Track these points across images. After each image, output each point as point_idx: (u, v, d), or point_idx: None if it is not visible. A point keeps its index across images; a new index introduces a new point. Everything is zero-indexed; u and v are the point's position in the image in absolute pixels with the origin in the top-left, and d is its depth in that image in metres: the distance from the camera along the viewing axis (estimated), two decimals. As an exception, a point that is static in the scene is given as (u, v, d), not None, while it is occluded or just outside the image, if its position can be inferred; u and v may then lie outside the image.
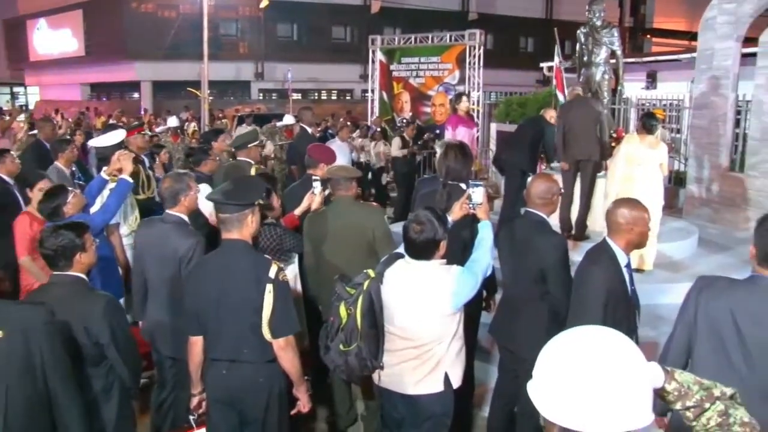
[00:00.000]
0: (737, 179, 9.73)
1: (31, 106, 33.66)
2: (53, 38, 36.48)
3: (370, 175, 13.46)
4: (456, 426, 3.73)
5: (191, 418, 3.69)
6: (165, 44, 29.76)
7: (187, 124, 18.63)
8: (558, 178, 5.61)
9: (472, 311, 4.15)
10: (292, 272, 4.87)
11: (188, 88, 26.24)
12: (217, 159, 6.45)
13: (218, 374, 3.46)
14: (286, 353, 3.39)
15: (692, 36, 11.48)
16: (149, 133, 10.78)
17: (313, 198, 4.97)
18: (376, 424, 4.39)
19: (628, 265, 3.61)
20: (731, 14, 9.66)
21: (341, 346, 3.47)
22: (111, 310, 3.36)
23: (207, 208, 4.90)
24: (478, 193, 3.90)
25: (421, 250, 3.42)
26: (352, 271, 3.73)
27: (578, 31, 8.59)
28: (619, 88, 9.73)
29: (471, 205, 3.90)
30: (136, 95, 33.79)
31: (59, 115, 22.17)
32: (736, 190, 9.66)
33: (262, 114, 21.06)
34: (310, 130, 9.80)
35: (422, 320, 3.41)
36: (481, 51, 16.76)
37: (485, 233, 3.79)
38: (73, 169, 7.00)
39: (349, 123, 14.56)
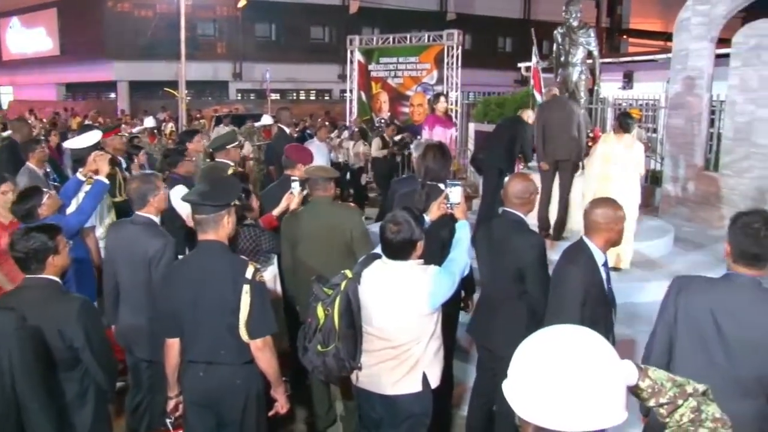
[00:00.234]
0: (712, 178, 9.84)
1: (4, 107, 33.19)
2: (27, 37, 36.00)
3: (348, 176, 13.44)
4: (435, 425, 3.73)
5: (168, 421, 3.66)
6: (142, 44, 29.54)
7: (164, 124, 18.48)
8: (535, 177, 5.63)
9: (450, 311, 4.16)
10: (271, 273, 4.86)
11: (165, 89, 26.05)
12: (193, 160, 6.39)
13: (195, 376, 3.43)
14: (264, 354, 3.38)
15: (668, 37, 11.61)
16: (127, 135, 10.70)
17: (292, 198, 4.95)
18: (354, 424, 4.39)
19: (605, 264, 3.64)
20: (705, 16, 9.77)
21: (319, 347, 3.46)
22: (85, 313, 3.32)
23: (184, 210, 4.86)
24: (455, 193, 3.91)
25: (398, 250, 3.42)
26: (329, 271, 3.72)
27: (555, 32, 8.65)
28: (595, 88, 9.81)
29: (449, 205, 3.91)
30: (112, 95, 33.44)
31: (33, 115, 21.90)
32: (710, 189, 9.78)
33: (240, 114, 20.97)
34: (288, 130, 9.76)
35: (400, 320, 3.41)
36: (460, 51, 16.81)
37: (462, 233, 3.80)
38: (48, 170, 6.92)
39: (327, 123, 14.53)
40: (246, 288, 3.28)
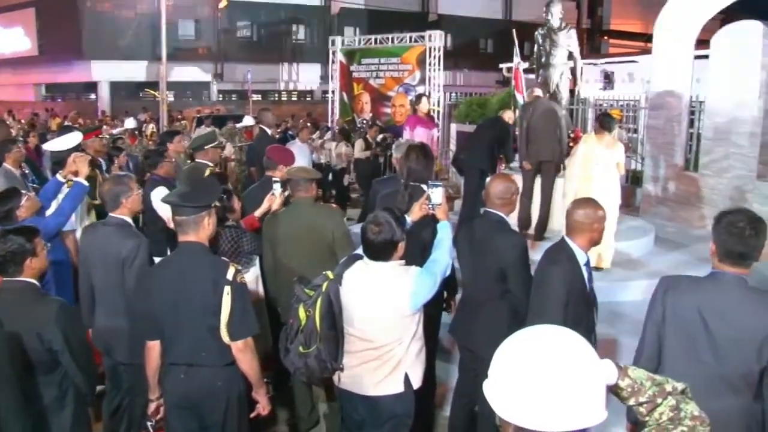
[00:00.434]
0: (692, 178, 9.93)
1: (-19, 108, 32.85)
2: (4, 37, 35.50)
3: (330, 177, 13.42)
4: (417, 426, 3.73)
5: (149, 424, 3.63)
6: (122, 44, 29.33)
7: (145, 125, 18.36)
8: (517, 178, 5.66)
9: (432, 311, 4.16)
10: (253, 274, 4.84)
11: (146, 89, 25.90)
12: (173, 161, 6.35)
13: (176, 378, 3.41)
14: (245, 355, 3.36)
15: (648, 38, 11.68)
16: (108, 137, 10.62)
17: (274, 199, 4.95)
18: (337, 426, 4.38)
19: (587, 264, 3.66)
20: (684, 17, 9.85)
21: (301, 348, 3.44)
22: (64, 316, 3.29)
23: (165, 212, 4.83)
24: (437, 194, 3.91)
25: (380, 251, 3.41)
26: (311, 272, 3.71)
27: (536, 33, 8.69)
28: (576, 88, 9.85)
29: (430, 206, 3.91)
30: (92, 96, 33.17)
31: (11, 116, 21.67)
32: (690, 189, 9.86)
33: (222, 115, 20.90)
34: (269, 131, 9.73)
35: (381, 321, 3.40)
36: (441, 52, 16.86)
37: (444, 234, 3.80)
38: (26, 171, 6.83)
39: (309, 124, 14.50)
40: (227, 289, 3.26)
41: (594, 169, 6.79)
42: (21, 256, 3.29)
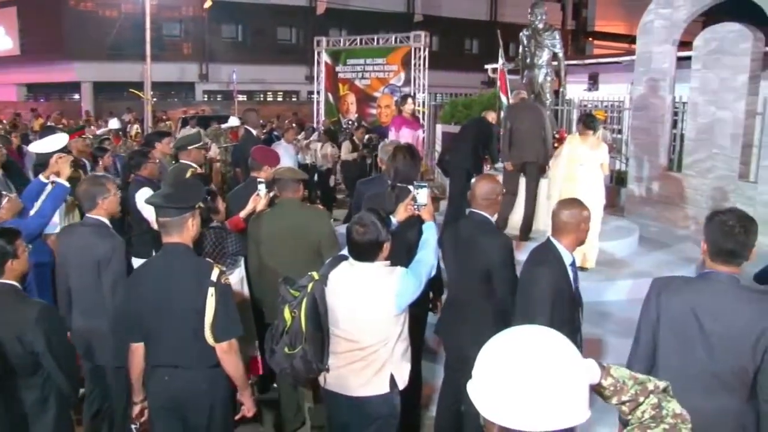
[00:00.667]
0: (675, 178, 10.01)
1: (-37, 108, 32.49)
2: (-15, 36, 35.24)
3: (316, 177, 13.40)
4: (403, 426, 3.74)
5: (133, 427, 3.61)
6: (106, 44, 29.05)
7: (129, 126, 18.26)
8: (500, 178, 5.68)
9: (418, 312, 4.16)
10: (238, 275, 4.81)
11: (131, 90, 25.71)
12: (157, 162, 6.31)
13: (160, 381, 3.39)
14: (230, 357, 3.35)
15: (632, 39, 11.78)
16: (92, 138, 10.54)
17: (258, 200, 4.94)
18: (323, 427, 4.37)
19: (572, 264, 3.68)
20: (667, 19, 9.94)
21: (286, 349, 3.43)
22: (45, 318, 3.26)
23: (149, 213, 4.81)
24: (422, 195, 3.91)
25: (365, 251, 3.41)
26: (297, 273, 3.70)
27: (521, 34, 8.73)
28: (561, 89, 9.91)
29: (416, 207, 3.92)
30: (76, 96, 32.91)
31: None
32: (674, 189, 9.94)
33: (207, 116, 20.82)
34: (255, 132, 9.72)
35: (367, 322, 3.40)
36: (427, 53, 16.86)
37: (429, 234, 3.81)
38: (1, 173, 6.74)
39: (294, 125, 14.47)
40: (211, 291, 3.24)
41: (578, 169, 6.83)
42: (2, 259, 3.26)
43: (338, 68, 18.61)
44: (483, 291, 4.07)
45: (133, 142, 13.70)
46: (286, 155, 9.40)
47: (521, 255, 4.23)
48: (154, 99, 24.33)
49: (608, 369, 1.82)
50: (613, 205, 10.66)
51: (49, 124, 16.06)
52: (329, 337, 3.48)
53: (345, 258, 3.55)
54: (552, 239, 3.66)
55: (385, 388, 3.47)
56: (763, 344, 2.72)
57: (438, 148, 14.78)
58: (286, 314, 3.42)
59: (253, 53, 32.51)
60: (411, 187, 4.09)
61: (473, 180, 4.40)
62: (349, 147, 13.15)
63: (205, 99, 33.00)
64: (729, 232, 2.84)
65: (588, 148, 6.87)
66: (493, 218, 4.21)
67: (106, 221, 4.29)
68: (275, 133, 14.27)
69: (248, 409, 3.59)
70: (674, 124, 10.61)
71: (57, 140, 6.22)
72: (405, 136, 8.91)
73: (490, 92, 14.93)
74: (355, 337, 3.43)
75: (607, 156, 7.17)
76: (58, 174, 5.09)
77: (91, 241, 4.12)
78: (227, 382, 3.45)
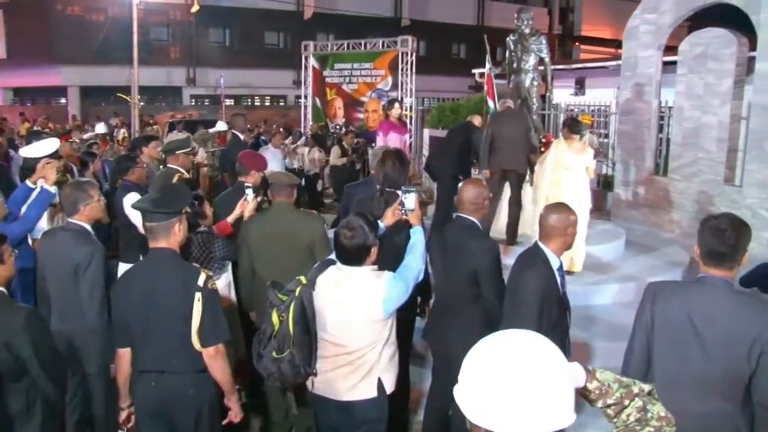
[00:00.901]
0: (661, 182, 10.06)
1: (-51, 112, 32.22)
2: (-29, 40, 34.97)
3: (303, 182, 13.37)
4: (391, 430, 3.73)
5: (120, 432, 3.60)
6: (93, 48, 28.94)
7: (116, 130, 18.18)
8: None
9: (406, 316, 4.17)
10: (225, 280, 4.82)
11: (118, 94, 25.57)
12: (144, 166, 6.29)
13: (147, 386, 3.37)
14: (217, 362, 3.34)
15: (618, 44, 11.83)
16: (78, 141, 10.48)
17: (246, 205, 4.93)
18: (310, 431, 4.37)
19: (560, 269, 3.69)
20: (653, 24, 10.01)
21: (274, 353, 3.43)
22: (32, 323, 3.24)
23: (137, 218, 4.79)
24: (410, 199, 3.92)
25: (353, 255, 3.42)
26: (289, 277, 3.69)
27: (508, 39, 8.77)
28: (548, 94, 9.96)
29: (403, 211, 3.93)
30: (63, 100, 32.73)
31: (-21, 121, 21.30)
32: (660, 193, 9.99)
33: (194, 120, 20.75)
34: (242, 136, 9.71)
35: (354, 326, 3.41)
36: (414, 57, 16.87)
37: (417, 239, 3.81)
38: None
39: (282, 129, 14.45)
40: (198, 296, 3.24)
41: (564, 173, 6.87)
42: (-12, 264, 3.25)
43: (326, 73, 18.60)
44: (470, 295, 4.08)
45: (120, 146, 13.64)
46: (274, 160, 9.39)
47: (508, 259, 4.25)
48: (142, 103, 24.26)
49: (593, 372, 1.83)
50: (600, 209, 10.73)
51: (35, 128, 15.95)
52: (317, 342, 3.48)
53: (333, 262, 3.55)
54: (540, 243, 3.68)
55: (372, 393, 3.47)
56: (757, 348, 2.73)
57: (425, 152, 14.81)
58: (274, 318, 3.42)
59: (241, 57, 32.45)
60: (399, 192, 4.11)
61: (460, 184, 4.41)
62: (339, 152, 13.14)
63: (193, 103, 32.91)
64: (721, 235, 2.86)
65: (573, 153, 6.90)
66: (480, 222, 4.22)
67: (88, 227, 4.26)
68: (262, 137, 14.23)
69: (235, 414, 3.58)
70: (660, 129, 10.68)
71: (48, 145, 6.18)
72: (393, 140, 8.95)
73: (477, 97, 14.96)
74: (342, 342, 3.43)
75: (592, 159, 7.21)
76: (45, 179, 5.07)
77: (69, 247, 4.10)
78: (214, 387, 3.44)
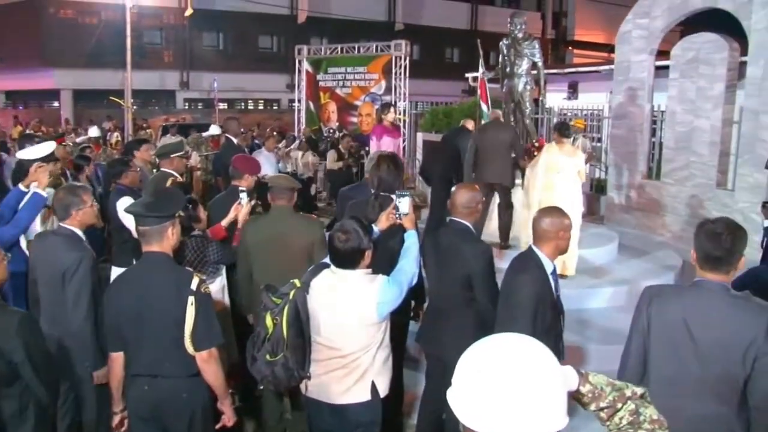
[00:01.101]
0: (654, 186, 10.11)
1: (-59, 116, 32.07)
2: (-38, 43, 34.81)
3: (297, 185, 13.35)
4: (385, 434, 3.74)
5: (113, 436, 3.59)
6: (86, 51, 28.86)
7: (109, 134, 18.13)
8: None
9: (399, 320, 4.17)
10: (219, 284, 4.80)
11: (111, 97, 25.50)
12: (138, 170, 6.27)
13: (140, 390, 3.37)
14: (210, 366, 3.34)
15: (611, 48, 11.89)
16: (71, 145, 10.45)
17: (240, 209, 4.92)
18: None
19: (554, 272, 3.70)
20: (645, 29, 10.06)
21: (268, 357, 3.43)
22: (25, 327, 3.23)
23: (130, 222, 4.78)
24: (404, 203, 3.93)
25: (347, 259, 3.42)
26: (288, 281, 3.69)
27: (501, 43, 8.79)
28: (541, 98, 9.98)
29: (398, 215, 3.93)
30: (55, 104, 32.62)
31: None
32: (653, 197, 10.04)
33: (188, 124, 20.72)
34: (235, 140, 9.69)
35: (348, 329, 3.41)
36: (407, 61, 16.90)
37: (411, 243, 3.82)
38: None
39: (275, 133, 14.44)
40: (191, 299, 3.24)
41: (555, 177, 6.89)
42: (-21, 268, 3.23)
43: (319, 76, 18.61)
44: (464, 298, 4.09)
45: (113, 150, 13.60)
46: (267, 164, 9.40)
47: (502, 263, 4.26)
48: (135, 107, 24.18)
49: (586, 376, 1.84)
50: (593, 212, 10.77)
51: (27, 131, 15.91)
52: (311, 345, 3.48)
53: (327, 265, 3.56)
54: (533, 247, 3.69)
55: (366, 396, 3.48)
56: (752, 352, 2.74)
57: (419, 156, 14.82)
58: (268, 321, 3.42)
59: (234, 61, 32.40)
60: (393, 196, 4.11)
61: (453, 189, 4.42)
62: (335, 156, 13.15)
63: (186, 107, 32.81)
64: (717, 239, 2.87)
65: (565, 156, 6.93)
66: (473, 226, 4.23)
67: (79, 232, 4.23)
68: (256, 141, 14.21)
69: (228, 418, 3.57)
70: (653, 133, 10.73)
71: (44, 148, 6.16)
72: (387, 144, 8.94)
73: (471, 101, 14.99)
74: (336, 345, 3.43)
75: (584, 163, 7.24)
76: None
77: (59, 252, 4.08)
78: (207, 391, 3.44)
